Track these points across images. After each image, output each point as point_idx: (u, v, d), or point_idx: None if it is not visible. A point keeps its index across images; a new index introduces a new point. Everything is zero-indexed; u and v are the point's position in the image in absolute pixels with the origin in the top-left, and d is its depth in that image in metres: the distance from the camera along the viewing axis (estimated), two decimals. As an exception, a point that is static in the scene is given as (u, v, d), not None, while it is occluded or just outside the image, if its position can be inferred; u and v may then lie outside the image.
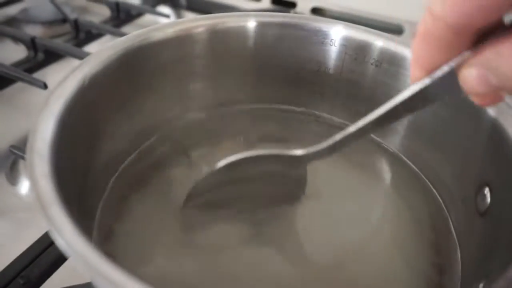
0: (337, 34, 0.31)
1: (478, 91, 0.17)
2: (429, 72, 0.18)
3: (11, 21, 0.66)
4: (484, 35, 0.16)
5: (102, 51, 0.26)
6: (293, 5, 0.70)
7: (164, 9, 0.70)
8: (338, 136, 0.24)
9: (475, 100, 0.18)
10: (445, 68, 0.17)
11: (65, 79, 0.23)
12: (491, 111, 0.25)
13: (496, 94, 0.17)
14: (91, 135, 0.25)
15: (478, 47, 0.16)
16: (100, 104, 0.26)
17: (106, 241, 0.25)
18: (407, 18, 0.65)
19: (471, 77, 0.17)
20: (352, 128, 0.23)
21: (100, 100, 0.26)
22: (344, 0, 0.68)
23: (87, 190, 0.24)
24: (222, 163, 0.26)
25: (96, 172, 0.26)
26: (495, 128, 0.24)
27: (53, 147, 0.19)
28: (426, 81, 0.18)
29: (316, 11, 0.69)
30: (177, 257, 0.25)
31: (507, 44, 0.15)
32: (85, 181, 0.24)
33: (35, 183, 0.17)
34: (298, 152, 0.26)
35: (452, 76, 0.17)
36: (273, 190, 0.28)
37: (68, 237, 0.15)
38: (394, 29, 0.64)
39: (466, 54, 0.17)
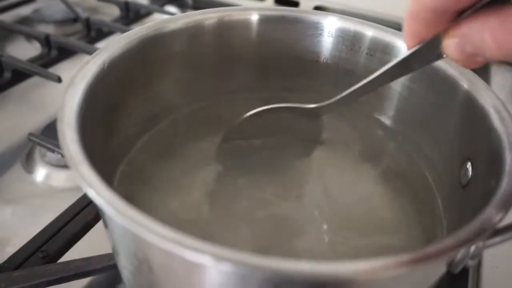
0: (333, 25, 0.34)
1: (457, 57, 0.20)
2: (419, 42, 0.22)
3: (25, 20, 0.69)
4: (464, 10, 0.19)
5: (119, 39, 0.29)
6: (296, 5, 0.73)
7: (171, 8, 0.73)
8: (344, 93, 0.29)
9: (459, 63, 0.21)
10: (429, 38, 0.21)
11: (87, 62, 0.26)
12: (464, 85, 0.27)
13: (474, 59, 0.20)
14: (110, 112, 0.28)
15: (457, 21, 0.19)
16: (118, 86, 0.28)
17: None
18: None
19: (451, 45, 0.20)
20: (356, 86, 0.28)
21: (118, 82, 0.28)
22: (345, -1, 0.71)
23: (107, 160, 0.27)
24: (249, 113, 0.32)
25: (114, 147, 0.28)
26: (469, 102, 0.27)
27: (79, 118, 0.22)
28: (416, 47, 0.23)
29: (318, 9, 0.72)
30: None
31: (478, 20, 0.18)
32: (106, 152, 0.27)
33: (66, 147, 0.20)
34: (312, 105, 0.31)
35: (436, 44, 0.21)
36: (292, 138, 0.34)
37: (97, 188, 0.18)
38: (393, 27, 0.67)
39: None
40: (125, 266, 0.23)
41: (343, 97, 0.29)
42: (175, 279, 0.19)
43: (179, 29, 0.31)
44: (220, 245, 0.15)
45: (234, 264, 0.15)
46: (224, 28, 0.33)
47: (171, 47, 0.32)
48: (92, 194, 0.17)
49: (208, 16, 0.32)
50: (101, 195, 0.17)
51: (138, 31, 0.30)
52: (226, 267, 0.15)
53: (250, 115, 0.32)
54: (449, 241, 0.16)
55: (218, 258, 0.15)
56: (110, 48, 0.28)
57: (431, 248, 0.16)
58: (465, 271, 0.35)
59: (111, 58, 0.27)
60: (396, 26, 0.67)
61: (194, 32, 0.32)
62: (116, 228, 0.21)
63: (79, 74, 0.25)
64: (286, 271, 0.15)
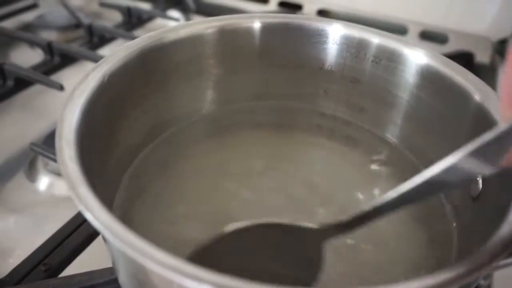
0: (338, 32, 0.33)
1: None
2: None
3: (28, 27, 0.69)
4: None
5: (119, 51, 0.28)
6: (299, 8, 0.72)
7: (174, 13, 0.72)
8: (362, 210, 0.21)
9: None
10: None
11: (87, 76, 0.25)
12: (476, 96, 0.27)
13: None
14: (110, 126, 0.27)
15: None
16: (118, 99, 0.28)
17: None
18: (411, 19, 0.67)
19: None
20: (379, 201, 0.21)
21: (119, 95, 0.28)
22: (349, 2, 0.70)
23: (106, 176, 0.26)
24: (229, 227, 0.24)
25: (115, 160, 0.28)
26: (482, 114, 0.26)
27: (78, 134, 0.21)
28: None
29: (322, 13, 0.71)
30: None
31: None
32: (106, 167, 0.26)
33: (64, 165, 0.19)
34: (313, 226, 0.23)
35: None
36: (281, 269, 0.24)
37: (95, 211, 0.17)
38: (398, 30, 0.66)
39: None
40: (125, 284, 0.23)
41: (355, 219, 0.21)
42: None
43: (180, 39, 0.31)
44: (219, 273, 0.15)
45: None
46: (226, 37, 0.33)
47: (172, 57, 0.31)
48: (90, 218, 0.17)
49: (210, 25, 0.32)
50: (99, 218, 0.17)
51: (139, 41, 0.29)
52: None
53: (223, 236, 0.24)
54: (461, 268, 0.16)
55: (218, 286, 0.15)
56: (110, 60, 0.27)
57: (443, 276, 0.15)
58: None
59: (111, 71, 0.27)
60: (401, 29, 0.67)
61: (195, 42, 0.32)
62: (115, 251, 0.20)
63: (78, 88, 0.25)
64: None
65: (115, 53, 0.28)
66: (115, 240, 0.16)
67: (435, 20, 0.66)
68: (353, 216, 0.22)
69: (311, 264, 0.23)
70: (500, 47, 0.62)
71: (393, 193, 0.20)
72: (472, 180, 0.19)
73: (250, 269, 0.22)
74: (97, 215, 0.17)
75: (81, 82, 0.25)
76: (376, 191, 0.31)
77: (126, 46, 0.28)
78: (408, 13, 0.67)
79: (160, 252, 0.15)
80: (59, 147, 0.20)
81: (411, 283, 0.15)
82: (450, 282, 0.15)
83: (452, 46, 0.63)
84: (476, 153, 0.17)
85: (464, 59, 0.59)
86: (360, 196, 0.31)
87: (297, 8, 0.72)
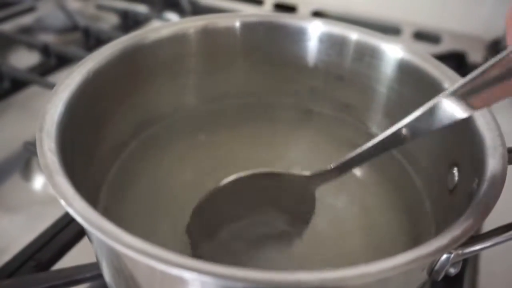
0: (319, 30, 0.34)
1: None
2: None
3: (26, 29, 0.70)
4: None
5: (104, 48, 0.29)
6: (294, 9, 0.73)
7: (170, 15, 0.73)
8: (352, 154, 0.26)
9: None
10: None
11: (72, 72, 0.26)
12: (445, 84, 0.27)
13: None
14: (95, 121, 0.28)
15: None
16: (103, 95, 0.28)
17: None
18: (405, 19, 0.67)
19: None
20: (363, 147, 0.25)
21: (103, 91, 0.28)
22: (343, 3, 0.71)
23: (92, 169, 0.27)
24: (224, 181, 0.27)
25: (102, 154, 0.28)
26: None
27: (59, 128, 0.22)
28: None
29: (316, 14, 0.71)
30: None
31: None
32: (91, 161, 0.27)
33: (43, 156, 0.20)
34: (305, 173, 0.27)
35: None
36: (277, 213, 0.28)
37: (70, 199, 0.18)
38: (392, 30, 0.67)
39: None
40: (106, 274, 0.23)
41: (349, 160, 0.26)
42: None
43: (164, 37, 0.31)
44: (184, 256, 0.15)
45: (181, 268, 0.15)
46: (209, 36, 0.33)
47: (156, 56, 0.32)
48: (64, 204, 0.17)
49: (193, 25, 0.33)
50: (72, 205, 0.17)
51: (123, 40, 0.30)
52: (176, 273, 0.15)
53: (224, 185, 0.27)
54: (421, 251, 0.16)
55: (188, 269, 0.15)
56: (95, 57, 0.28)
57: (401, 258, 0.16)
58: (459, 276, 0.34)
59: (96, 67, 0.27)
60: (395, 30, 0.67)
61: (178, 41, 0.32)
62: (93, 237, 0.21)
63: (63, 83, 0.25)
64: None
65: (100, 51, 0.28)
66: (88, 225, 0.17)
67: (429, 21, 0.66)
68: (339, 162, 0.26)
69: (305, 210, 0.28)
70: (493, 47, 0.62)
71: (376, 139, 0.24)
72: (449, 123, 0.21)
73: (246, 218, 0.27)
74: (71, 202, 0.18)
75: (66, 77, 0.26)
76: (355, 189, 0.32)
77: (111, 45, 0.29)
78: (402, 14, 0.67)
79: (129, 236, 0.16)
80: (39, 138, 0.21)
81: (371, 265, 0.16)
82: (407, 263, 0.16)
83: (445, 46, 0.63)
84: (455, 93, 0.20)
85: (457, 59, 0.60)
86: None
87: (291, 9, 0.73)
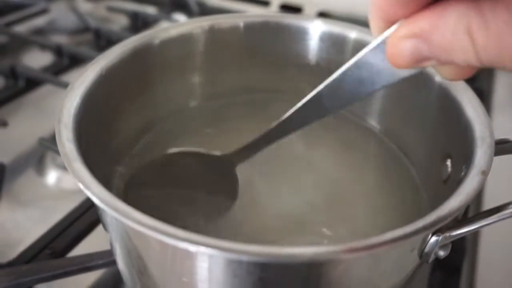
0: (320, 29, 0.35)
1: (406, 59, 0.16)
2: (389, 24, 0.17)
3: (39, 31, 0.72)
4: None
5: (116, 47, 0.31)
6: (300, 10, 0.74)
7: (178, 16, 0.75)
8: (256, 136, 0.26)
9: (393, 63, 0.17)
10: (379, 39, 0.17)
11: (86, 69, 0.28)
12: (437, 78, 0.29)
13: (420, 62, 0.16)
14: (109, 115, 0.30)
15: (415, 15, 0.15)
16: (115, 92, 0.30)
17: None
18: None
19: (404, 46, 0.16)
20: (270, 127, 0.26)
21: (115, 88, 0.30)
22: (348, 4, 0.71)
23: (106, 160, 0.28)
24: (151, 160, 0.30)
25: (115, 146, 0.30)
26: (443, 92, 0.28)
27: (75, 120, 0.24)
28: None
29: (322, 15, 0.72)
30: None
31: (448, 11, 0.14)
32: (105, 153, 0.28)
33: (62, 145, 0.22)
34: (218, 153, 0.29)
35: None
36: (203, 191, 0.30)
37: (88, 182, 0.20)
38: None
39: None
40: (119, 258, 0.25)
41: (256, 141, 0.27)
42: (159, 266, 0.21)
43: (171, 38, 0.33)
44: (190, 232, 0.17)
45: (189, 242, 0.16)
46: (215, 36, 0.35)
47: (164, 54, 0.33)
48: (82, 187, 0.19)
49: (199, 25, 0.34)
50: (90, 188, 0.19)
51: (133, 40, 0.32)
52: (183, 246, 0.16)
53: (150, 162, 0.30)
54: (407, 229, 0.18)
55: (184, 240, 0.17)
56: (107, 56, 0.30)
57: (389, 235, 0.17)
58: (458, 267, 0.35)
59: (108, 65, 0.29)
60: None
61: (186, 40, 0.34)
62: (108, 219, 0.22)
63: (78, 80, 0.27)
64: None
65: (112, 50, 0.30)
66: (104, 205, 0.18)
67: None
68: (256, 137, 0.27)
69: (228, 188, 0.29)
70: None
71: (292, 110, 0.24)
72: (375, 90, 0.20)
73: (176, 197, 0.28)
74: (89, 185, 0.19)
75: (81, 74, 0.28)
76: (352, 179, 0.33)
77: (122, 44, 0.31)
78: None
79: (142, 215, 0.18)
80: (58, 130, 0.22)
81: (361, 241, 0.17)
82: (393, 240, 0.17)
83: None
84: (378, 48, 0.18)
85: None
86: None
87: (297, 10, 0.74)
